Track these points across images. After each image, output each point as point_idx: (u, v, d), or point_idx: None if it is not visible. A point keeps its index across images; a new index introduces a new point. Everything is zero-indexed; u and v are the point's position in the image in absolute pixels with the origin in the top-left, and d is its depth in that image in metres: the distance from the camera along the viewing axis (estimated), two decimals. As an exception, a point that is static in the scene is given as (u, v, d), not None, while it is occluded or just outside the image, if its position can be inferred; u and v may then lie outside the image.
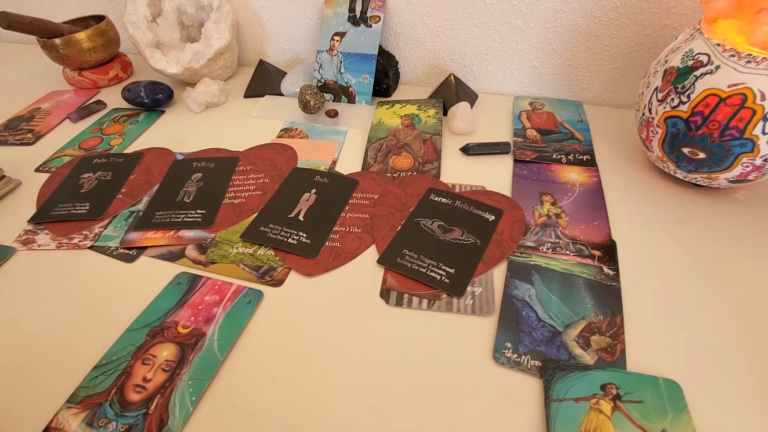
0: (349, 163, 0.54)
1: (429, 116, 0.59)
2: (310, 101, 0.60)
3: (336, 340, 0.36)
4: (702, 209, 0.46)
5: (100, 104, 0.68)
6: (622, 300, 0.38)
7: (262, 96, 0.69)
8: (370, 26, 0.64)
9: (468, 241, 0.42)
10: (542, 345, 0.35)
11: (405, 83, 0.72)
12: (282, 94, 0.68)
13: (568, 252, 0.42)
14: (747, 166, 0.41)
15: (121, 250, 0.44)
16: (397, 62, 0.70)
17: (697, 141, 0.42)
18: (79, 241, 0.45)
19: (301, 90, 0.60)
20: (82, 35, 0.68)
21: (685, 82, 0.41)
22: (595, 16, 0.58)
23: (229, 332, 0.36)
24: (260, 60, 0.71)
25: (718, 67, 0.39)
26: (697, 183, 0.47)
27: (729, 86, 0.38)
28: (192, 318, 0.37)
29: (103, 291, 0.40)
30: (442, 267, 0.40)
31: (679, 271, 0.40)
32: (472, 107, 0.63)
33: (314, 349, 0.35)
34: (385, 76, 0.66)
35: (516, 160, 0.53)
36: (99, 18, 0.74)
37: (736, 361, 0.33)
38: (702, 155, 0.42)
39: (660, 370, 0.33)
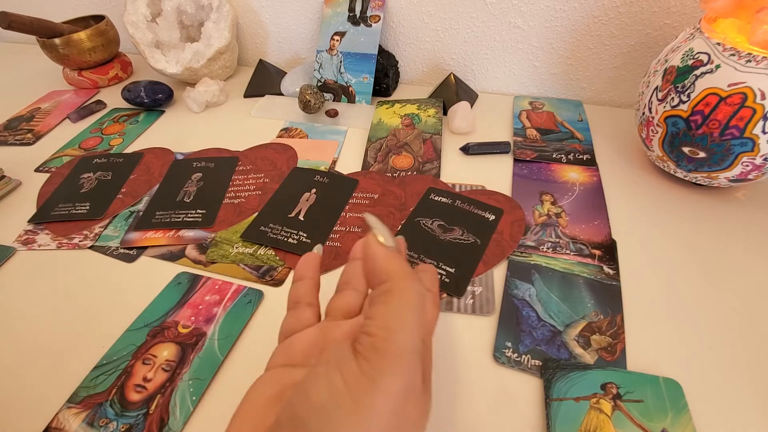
0: (349, 163, 0.54)
1: (429, 116, 0.59)
2: (310, 101, 0.60)
3: (336, 340, 0.36)
4: (702, 208, 0.46)
5: (100, 104, 0.68)
6: (622, 299, 0.38)
7: (262, 96, 0.69)
8: (370, 26, 0.64)
9: (468, 240, 0.42)
10: (542, 344, 0.35)
11: (405, 83, 0.72)
12: (282, 94, 0.68)
13: (568, 251, 0.42)
14: (747, 166, 0.41)
15: (122, 250, 0.44)
16: (397, 62, 0.70)
17: (697, 140, 0.42)
18: (80, 241, 0.45)
19: (301, 90, 0.60)
20: (81, 35, 0.68)
21: (685, 82, 0.41)
22: (595, 15, 0.58)
23: (229, 332, 0.36)
24: (260, 60, 0.71)
25: (718, 67, 0.39)
26: (697, 182, 0.47)
27: (729, 85, 0.38)
28: (192, 318, 0.37)
29: (103, 291, 0.40)
30: (442, 266, 0.40)
31: (680, 271, 0.40)
32: (472, 107, 0.63)
33: (314, 348, 0.35)
34: (385, 75, 0.66)
35: (516, 160, 0.53)
36: (99, 18, 0.74)
37: (737, 360, 0.34)
38: (702, 154, 0.42)
39: (660, 370, 0.33)
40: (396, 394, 0.17)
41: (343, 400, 0.17)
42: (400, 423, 0.17)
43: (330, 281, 0.40)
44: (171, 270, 0.42)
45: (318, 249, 0.31)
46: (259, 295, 0.39)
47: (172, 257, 0.43)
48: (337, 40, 0.65)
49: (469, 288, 0.39)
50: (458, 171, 0.52)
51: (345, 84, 0.65)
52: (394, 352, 0.18)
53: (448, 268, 0.40)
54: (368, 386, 0.17)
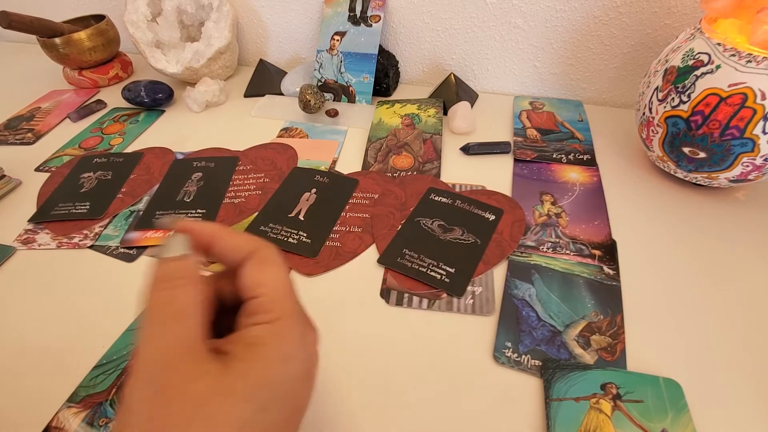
0: (349, 163, 0.54)
1: (429, 116, 0.59)
2: (310, 101, 0.60)
3: (336, 340, 0.36)
4: (702, 209, 0.46)
5: (100, 104, 0.68)
6: (622, 299, 0.38)
7: (263, 95, 0.68)
8: (371, 26, 0.64)
9: (468, 240, 0.42)
10: (542, 344, 0.35)
11: (405, 83, 0.72)
12: (282, 94, 0.68)
13: (568, 251, 0.42)
14: (747, 166, 0.41)
15: (122, 250, 0.44)
16: (398, 62, 0.70)
17: (697, 140, 0.42)
18: (80, 241, 0.45)
19: (302, 89, 0.60)
20: (82, 35, 0.68)
21: (686, 82, 0.41)
22: (596, 15, 0.58)
23: (229, 332, 0.36)
24: (260, 59, 0.71)
25: (718, 67, 0.39)
26: (698, 183, 0.47)
27: (729, 86, 0.38)
28: (192, 317, 0.37)
29: (104, 291, 0.40)
30: (443, 266, 0.40)
31: (680, 271, 0.40)
32: (472, 107, 0.63)
33: (314, 348, 0.35)
34: (385, 75, 0.66)
35: (516, 160, 0.53)
36: (99, 17, 0.74)
37: (737, 360, 0.34)
38: (702, 155, 0.42)
39: (660, 370, 0.33)
40: (140, 401, 0.18)
41: (115, 426, 0.19)
42: (161, 425, 0.17)
43: (330, 281, 0.41)
44: (171, 270, 0.42)
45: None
46: (259, 294, 0.39)
47: (172, 257, 0.43)
48: (338, 40, 0.65)
49: (469, 288, 0.39)
50: (458, 171, 0.52)
51: (345, 84, 0.65)
52: (136, 364, 0.19)
53: (448, 268, 0.40)
54: (123, 407, 0.19)
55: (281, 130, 0.61)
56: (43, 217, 0.48)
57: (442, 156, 0.54)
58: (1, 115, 0.67)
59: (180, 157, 0.56)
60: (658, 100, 0.44)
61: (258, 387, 0.19)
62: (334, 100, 0.67)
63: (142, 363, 0.19)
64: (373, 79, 0.64)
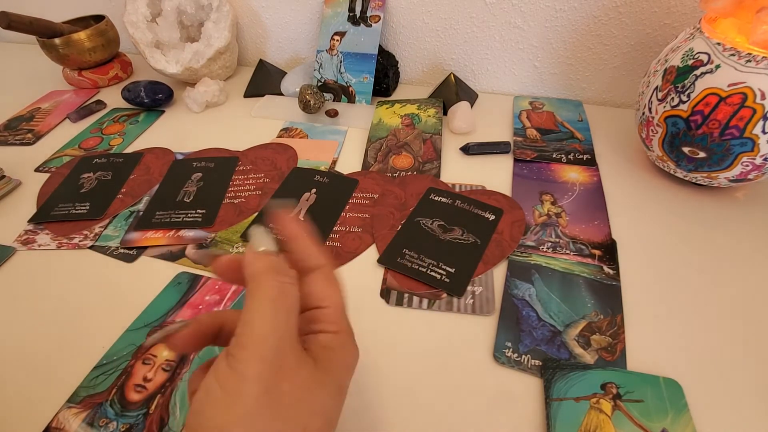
0: (349, 163, 0.54)
1: (429, 116, 0.59)
2: (310, 101, 0.60)
3: (336, 340, 0.36)
4: (702, 208, 0.46)
5: (100, 104, 0.68)
6: (622, 299, 0.38)
7: (262, 96, 0.68)
8: (370, 26, 0.64)
9: (468, 240, 0.42)
10: (542, 344, 0.35)
11: (405, 83, 0.72)
12: (282, 94, 0.68)
13: (568, 251, 0.42)
14: (747, 166, 0.41)
15: (122, 250, 0.44)
16: (397, 62, 0.70)
17: (697, 140, 0.42)
18: (80, 241, 0.45)
19: (301, 90, 0.60)
20: (81, 35, 0.68)
21: (685, 82, 0.41)
22: (595, 15, 0.58)
23: (229, 332, 0.36)
24: (260, 60, 0.71)
25: (718, 66, 0.39)
26: (697, 182, 0.47)
27: (729, 85, 0.38)
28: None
29: (103, 291, 0.40)
30: (443, 266, 0.40)
31: (679, 270, 0.40)
32: (472, 107, 0.63)
33: (314, 348, 0.35)
34: (385, 75, 0.66)
35: (516, 160, 0.53)
36: (99, 18, 0.74)
37: (737, 360, 0.34)
38: (702, 154, 0.42)
39: (660, 370, 0.33)
40: (259, 375, 0.19)
41: (215, 395, 0.19)
42: (275, 399, 0.19)
43: (330, 281, 0.41)
44: (171, 270, 0.42)
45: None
46: (259, 295, 0.39)
47: (172, 257, 0.43)
48: (337, 40, 0.65)
49: (469, 288, 0.39)
50: (458, 171, 0.52)
51: (345, 84, 0.65)
52: (252, 341, 0.20)
53: (448, 268, 0.40)
54: (234, 376, 0.19)
55: (281, 131, 0.61)
56: (43, 218, 0.48)
57: (442, 156, 0.54)
58: (1, 115, 0.67)
59: (180, 157, 0.56)
60: (658, 100, 0.44)
61: (338, 387, 0.22)
62: (333, 100, 0.67)
63: (262, 338, 0.20)
64: (372, 79, 0.64)
